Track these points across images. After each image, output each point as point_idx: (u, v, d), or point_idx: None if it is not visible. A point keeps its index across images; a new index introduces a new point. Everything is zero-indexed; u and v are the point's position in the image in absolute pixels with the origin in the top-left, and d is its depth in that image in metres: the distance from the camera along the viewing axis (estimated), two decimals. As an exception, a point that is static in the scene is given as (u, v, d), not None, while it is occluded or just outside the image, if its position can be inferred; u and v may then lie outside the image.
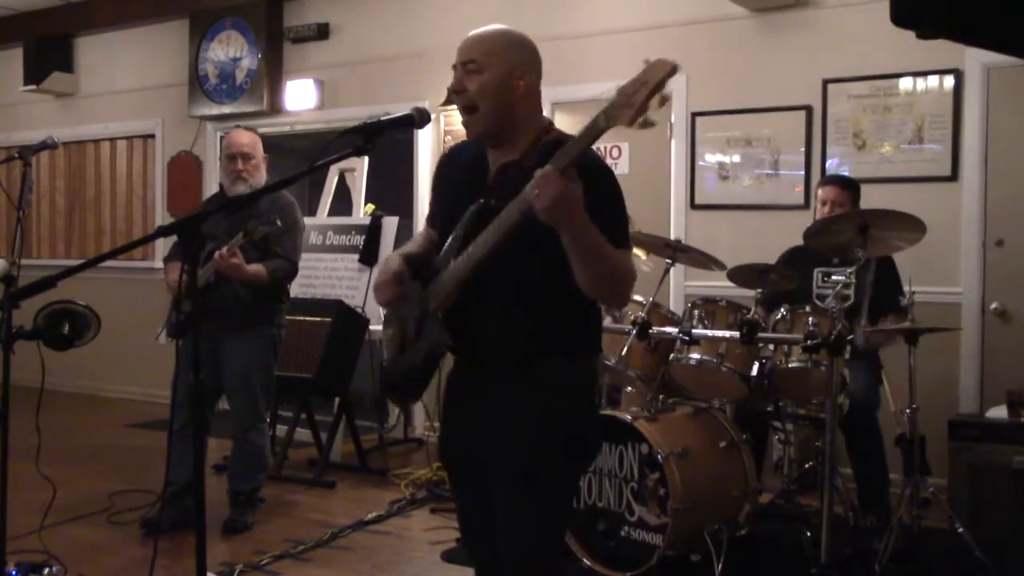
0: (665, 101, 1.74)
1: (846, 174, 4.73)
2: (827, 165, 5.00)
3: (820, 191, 4.34)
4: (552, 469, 2.07)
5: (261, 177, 4.20)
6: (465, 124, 2.12)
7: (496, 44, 2.08)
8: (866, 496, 4.00)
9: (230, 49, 7.08)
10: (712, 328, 3.74)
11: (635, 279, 2.10)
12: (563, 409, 2.08)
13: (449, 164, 2.32)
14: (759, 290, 3.83)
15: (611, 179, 2.08)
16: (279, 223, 3.92)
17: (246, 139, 4.22)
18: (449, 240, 2.10)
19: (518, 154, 2.08)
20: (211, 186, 7.02)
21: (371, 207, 6.14)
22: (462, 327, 2.07)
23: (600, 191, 1.98)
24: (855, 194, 4.25)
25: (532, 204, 1.84)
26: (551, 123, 2.17)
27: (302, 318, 5.27)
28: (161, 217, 7.62)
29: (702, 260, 4.03)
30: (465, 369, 2.19)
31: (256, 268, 4.01)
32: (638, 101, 1.72)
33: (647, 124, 1.74)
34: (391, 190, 6.57)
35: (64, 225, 8.29)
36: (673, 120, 5.44)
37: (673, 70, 1.72)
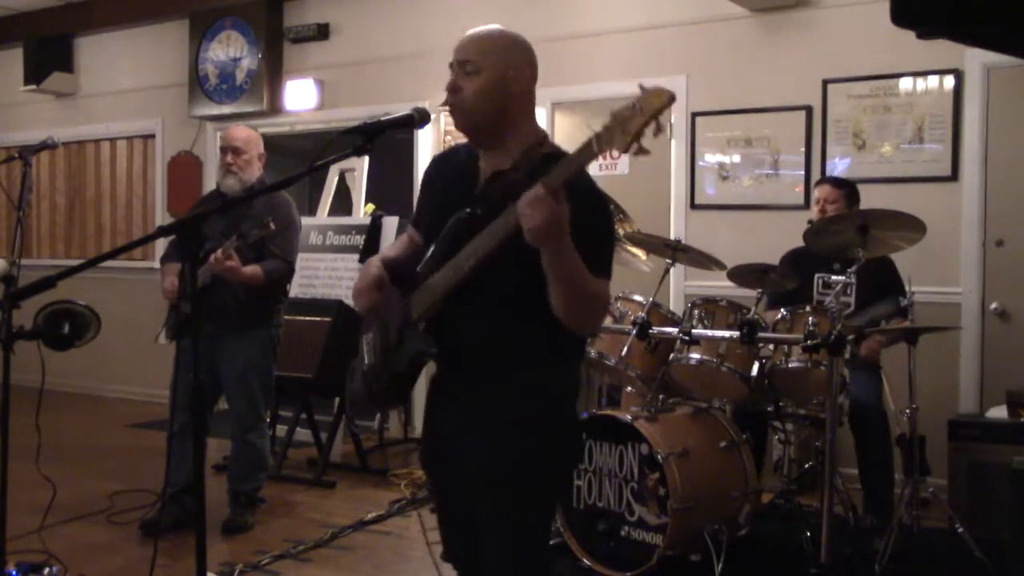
0: (660, 131, 1.69)
1: (840, 175, 4.75)
2: (827, 165, 5.00)
3: (815, 191, 4.43)
4: (533, 474, 2.05)
5: (253, 173, 4.20)
6: (455, 119, 2.09)
7: (492, 44, 2.06)
8: (870, 496, 4.00)
9: (230, 49, 7.08)
10: (712, 328, 3.74)
11: (607, 311, 2.08)
12: (543, 415, 2.06)
13: (440, 166, 2.29)
14: (759, 290, 3.83)
15: (603, 205, 2.07)
16: (272, 226, 3.91)
17: (240, 134, 4.25)
18: (433, 247, 2.07)
19: (509, 162, 2.05)
20: (211, 186, 7.01)
21: (371, 207, 6.14)
22: (443, 333, 2.07)
23: (590, 217, 1.96)
24: (849, 192, 4.27)
25: (520, 223, 1.82)
26: (546, 135, 2.14)
27: (302, 318, 5.27)
28: (161, 217, 7.62)
29: (702, 260, 4.03)
30: (446, 375, 2.18)
31: (252, 270, 4.01)
32: (633, 129, 1.69)
33: (641, 151, 1.71)
34: (391, 190, 6.57)
35: (64, 225, 8.29)
36: (673, 120, 5.44)
37: (671, 100, 1.68)
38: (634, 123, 1.69)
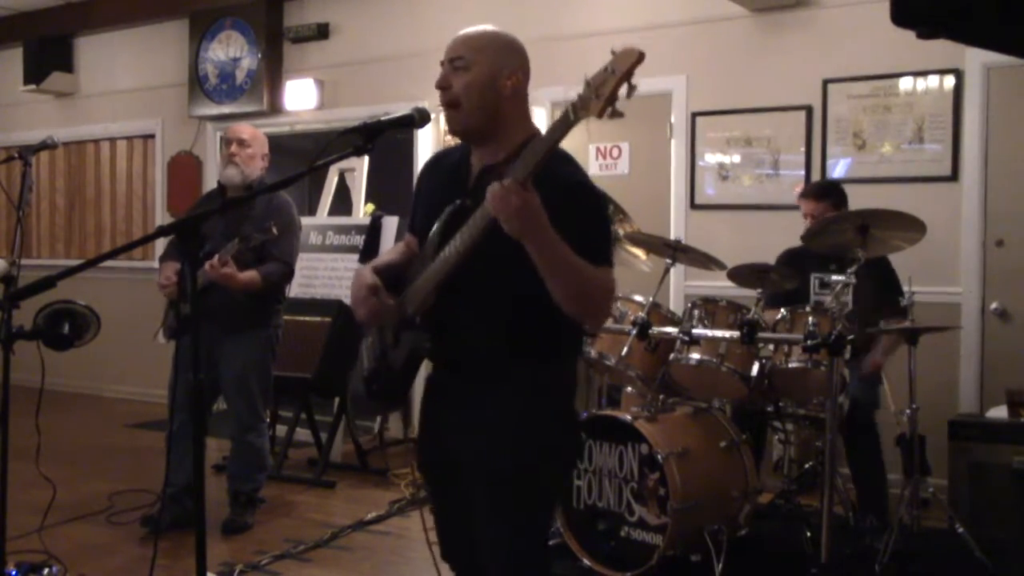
0: (633, 90, 1.70)
1: (832, 177, 4.72)
2: (827, 165, 5.00)
3: (799, 203, 4.33)
4: (529, 473, 2.05)
5: (255, 168, 4.20)
6: (447, 119, 2.09)
7: (484, 43, 2.07)
8: (864, 496, 4.00)
9: (230, 49, 7.08)
10: (712, 328, 3.74)
11: (612, 296, 2.06)
12: (540, 413, 2.06)
13: (432, 169, 2.30)
14: (759, 290, 3.83)
15: (591, 195, 2.05)
16: (274, 230, 3.91)
17: (246, 128, 4.30)
18: (427, 242, 2.08)
19: (502, 157, 2.04)
20: (211, 186, 7.01)
21: (371, 207, 6.15)
22: (440, 331, 2.07)
23: (577, 207, 1.96)
24: (834, 200, 4.19)
25: (493, 216, 1.83)
26: (539, 132, 2.11)
27: (301, 318, 5.27)
28: (161, 217, 7.62)
29: (702, 260, 4.03)
30: (443, 373, 2.18)
31: (249, 276, 3.99)
32: (606, 92, 1.70)
33: (615, 114, 1.71)
34: (391, 190, 6.57)
35: (64, 225, 8.29)
36: (673, 120, 5.44)
37: (640, 58, 1.68)
38: (608, 86, 1.70)
